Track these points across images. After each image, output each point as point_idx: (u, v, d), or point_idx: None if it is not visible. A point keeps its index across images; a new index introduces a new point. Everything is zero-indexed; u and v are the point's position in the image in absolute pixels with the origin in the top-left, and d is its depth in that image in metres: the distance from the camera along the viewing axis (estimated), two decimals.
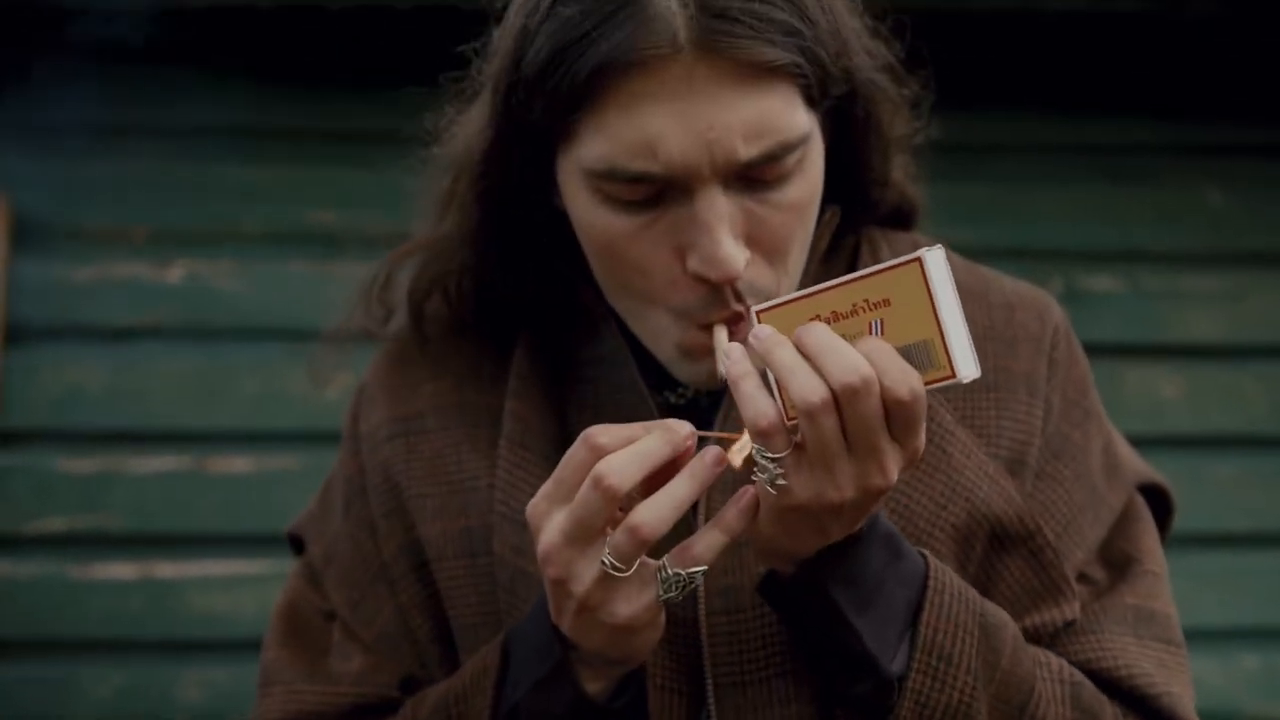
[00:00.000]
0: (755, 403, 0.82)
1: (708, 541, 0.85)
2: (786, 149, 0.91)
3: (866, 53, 1.03)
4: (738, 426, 0.95)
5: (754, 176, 0.92)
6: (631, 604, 0.85)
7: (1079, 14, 2.79)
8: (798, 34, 0.89)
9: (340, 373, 1.24)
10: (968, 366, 0.80)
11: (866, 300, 0.82)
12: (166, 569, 2.74)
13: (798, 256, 0.99)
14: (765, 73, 0.88)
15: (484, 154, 1.02)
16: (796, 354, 0.81)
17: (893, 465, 0.82)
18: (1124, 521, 1.11)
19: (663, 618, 0.89)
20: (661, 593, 0.85)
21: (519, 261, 1.09)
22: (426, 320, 1.16)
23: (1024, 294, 1.14)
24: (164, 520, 2.75)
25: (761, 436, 0.82)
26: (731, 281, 0.92)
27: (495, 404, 1.11)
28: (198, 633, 2.72)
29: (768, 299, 0.92)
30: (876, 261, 1.09)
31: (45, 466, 2.75)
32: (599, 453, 0.83)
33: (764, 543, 0.88)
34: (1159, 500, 1.18)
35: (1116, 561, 1.08)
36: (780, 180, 0.93)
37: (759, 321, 0.86)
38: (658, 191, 0.92)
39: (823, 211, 1.05)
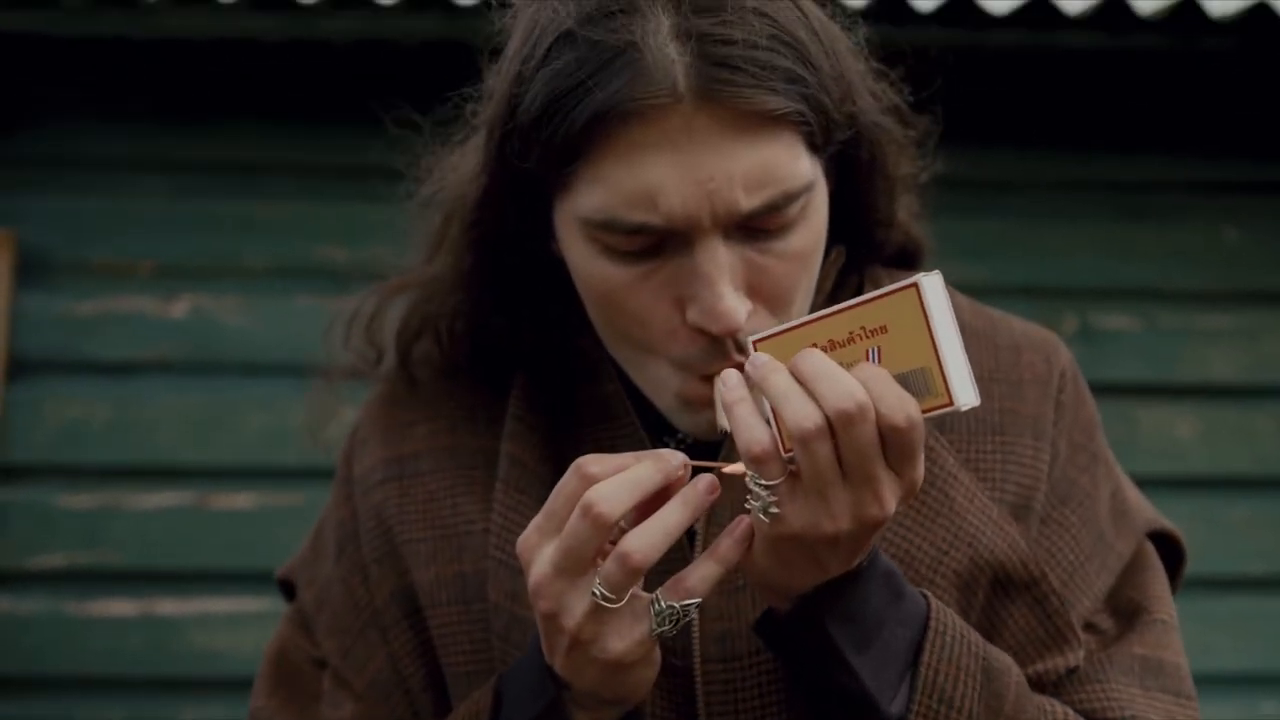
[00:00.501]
0: (749, 429, 0.80)
1: (702, 573, 0.83)
2: (789, 198, 0.88)
3: (871, 94, 1.01)
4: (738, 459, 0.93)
5: (756, 226, 0.89)
6: (624, 638, 0.83)
7: (1094, 50, 2.77)
8: (800, 81, 0.87)
9: (345, 408, 1.21)
10: (966, 394, 0.78)
11: (864, 327, 0.80)
12: (167, 606, 2.72)
13: (801, 304, 0.96)
14: (767, 121, 0.86)
15: (478, 200, 1.00)
16: (791, 380, 0.80)
17: (889, 495, 0.80)
18: (1132, 570, 1.08)
19: (657, 654, 0.87)
20: (655, 626, 0.83)
21: (514, 306, 1.07)
22: (415, 363, 1.14)
23: (1032, 336, 1.11)
24: (165, 557, 2.74)
25: (755, 463, 0.80)
26: (732, 334, 0.90)
27: (491, 446, 1.08)
28: (198, 670, 2.69)
29: None
30: None
31: (46, 501, 2.74)
32: (589, 481, 0.82)
33: (759, 576, 0.86)
34: (1170, 548, 1.15)
35: (1124, 610, 1.06)
36: (783, 229, 0.90)
37: (755, 350, 0.84)
38: (657, 242, 0.89)
39: (827, 252, 1.03)
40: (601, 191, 0.87)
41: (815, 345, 0.82)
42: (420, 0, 2.63)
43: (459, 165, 1.07)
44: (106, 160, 2.88)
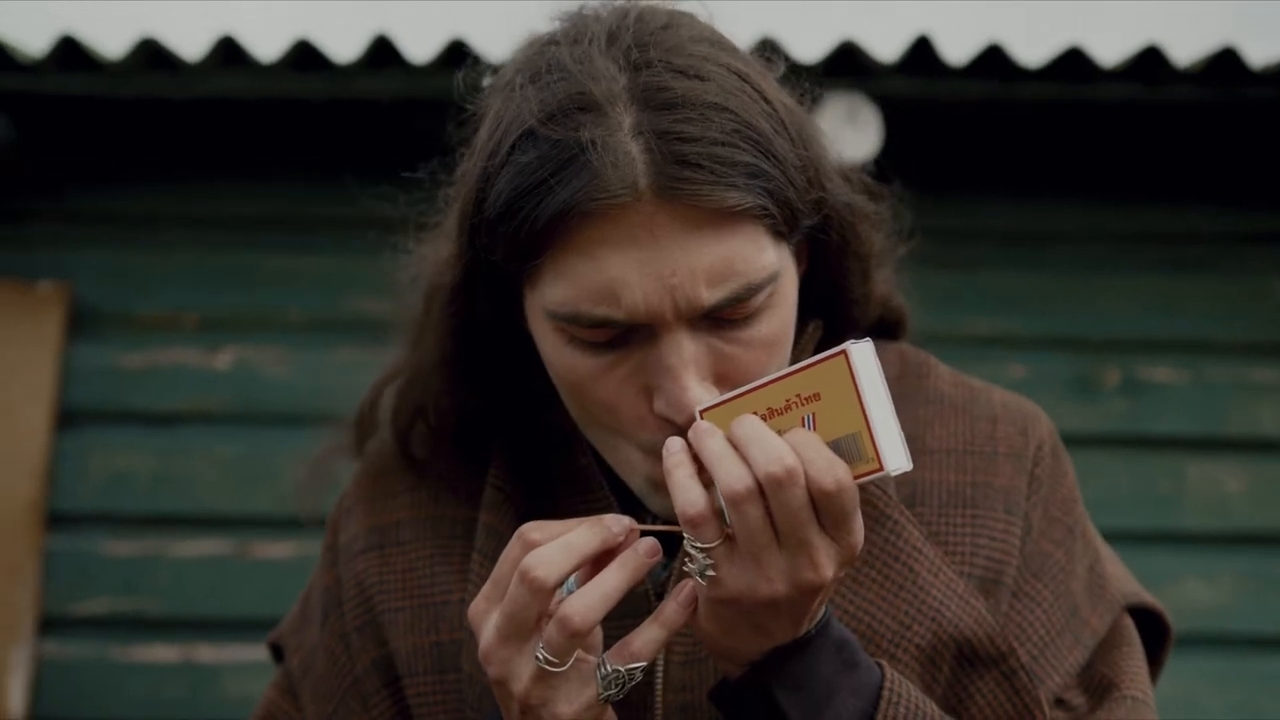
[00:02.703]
0: (686, 491, 0.81)
1: (646, 637, 0.85)
2: (752, 290, 0.88)
3: (841, 176, 1.01)
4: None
5: (721, 317, 0.89)
6: (572, 702, 0.84)
7: (1135, 102, 2.74)
8: (763, 175, 0.87)
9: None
10: (896, 459, 0.80)
11: (799, 395, 0.82)
12: (206, 653, 2.77)
13: None
14: (728, 216, 0.86)
15: (453, 288, 1.01)
16: (726, 444, 0.81)
17: (825, 560, 0.81)
18: (1106, 645, 1.06)
19: (610, 718, 0.88)
20: (601, 690, 0.84)
21: (493, 385, 1.09)
22: (412, 444, 1.16)
23: (1010, 407, 1.10)
24: (205, 604, 2.78)
25: (691, 525, 0.81)
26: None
27: (471, 516, 1.10)
28: (236, 717, 2.71)
29: None
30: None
31: (91, 549, 2.80)
32: (530, 547, 0.84)
33: (709, 641, 0.87)
34: (1154, 623, 1.12)
35: (1096, 687, 1.04)
36: (749, 318, 0.90)
37: (701, 418, 0.86)
38: (623, 334, 0.90)
39: (805, 325, 1.03)
40: (565, 286, 0.88)
41: (755, 413, 0.83)
42: (456, 58, 2.68)
43: (437, 249, 1.08)
44: (154, 216, 2.96)
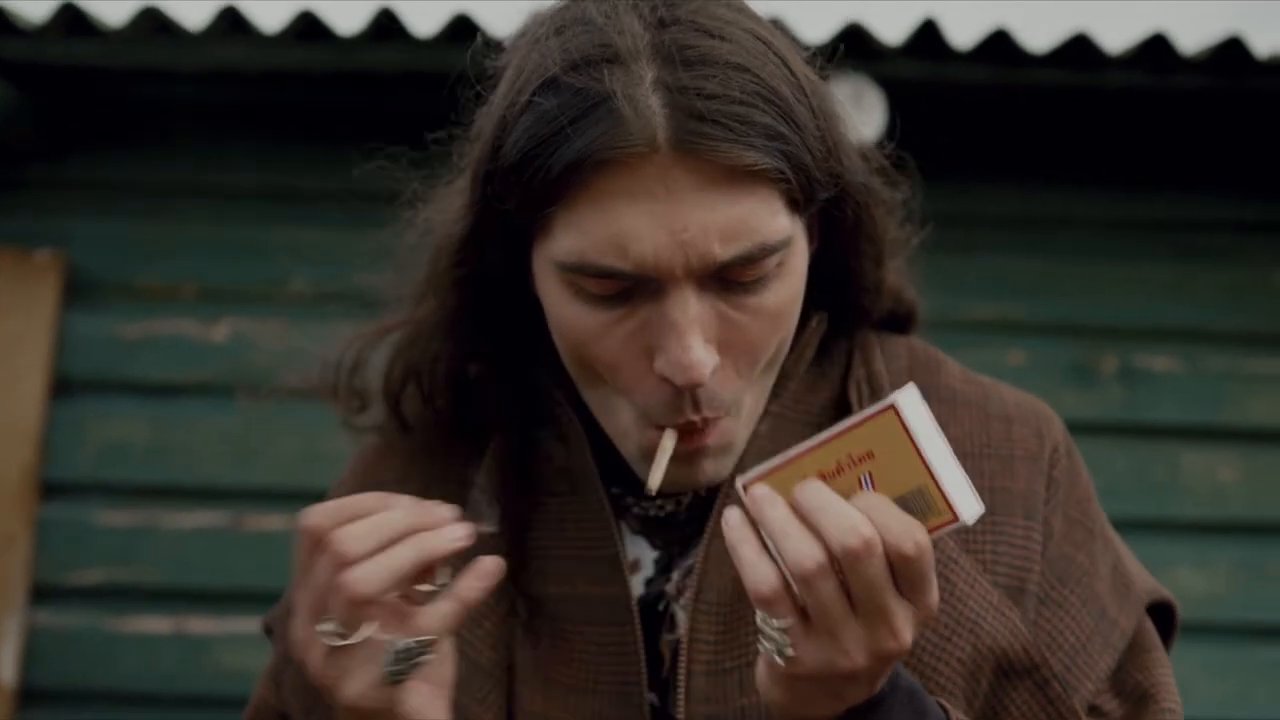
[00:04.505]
0: (754, 569, 0.78)
1: (439, 610, 0.83)
2: (765, 251, 0.87)
3: (860, 156, 0.99)
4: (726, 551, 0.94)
5: (730, 279, 0.88)
6: (358, 681, 0.82)
7: (1140, 90, 2.73)
8: (781, 138, 0.86)
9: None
10: (969, 507, 0.76)
11: (850, 455, 0.78)
12: (200, 624, 2.77)
13: (769, 367, 0.95)
14: (745, 176, 0.85)
15: (462, 239, 0.99)
16: (790, 514, 0.78)
17: (904, 626, 0.78)
18: (1136, 649, 1.05)
19: (407, 709, 0.85)
20: (386, 666, 0.82)
21: (493, 352, 1.07)
22: (404, 407, 1.14)
23: (1024, 407, 1.08)
24: (199, 576, 2.78)
25: (764, 605, 0.78)
26: (695, 387, 0.88)
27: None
28: (229, 689, 2.72)
29: (728, 411, 0.90)
30: (870, 372, 1.06)
31: (85, 519, 2.80)
32: (318, 532, 0.83)
33: (776, 708, 0.85)
34: (1160, 612, 1.12)
35: (1130, 694, 1.03)
36: (758, 284, 0.89)
37: (746, 491, 0.82)
38: (629, 289, 0.88)
39: (809, 317, 1.02)
40: (575, 236, 0.87)
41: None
42: (461, 32, 2.66)
43: (446, 207, 1.06)
44: (154, 186, 2.94)
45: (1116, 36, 2.70)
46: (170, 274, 2.91)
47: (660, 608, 0.99)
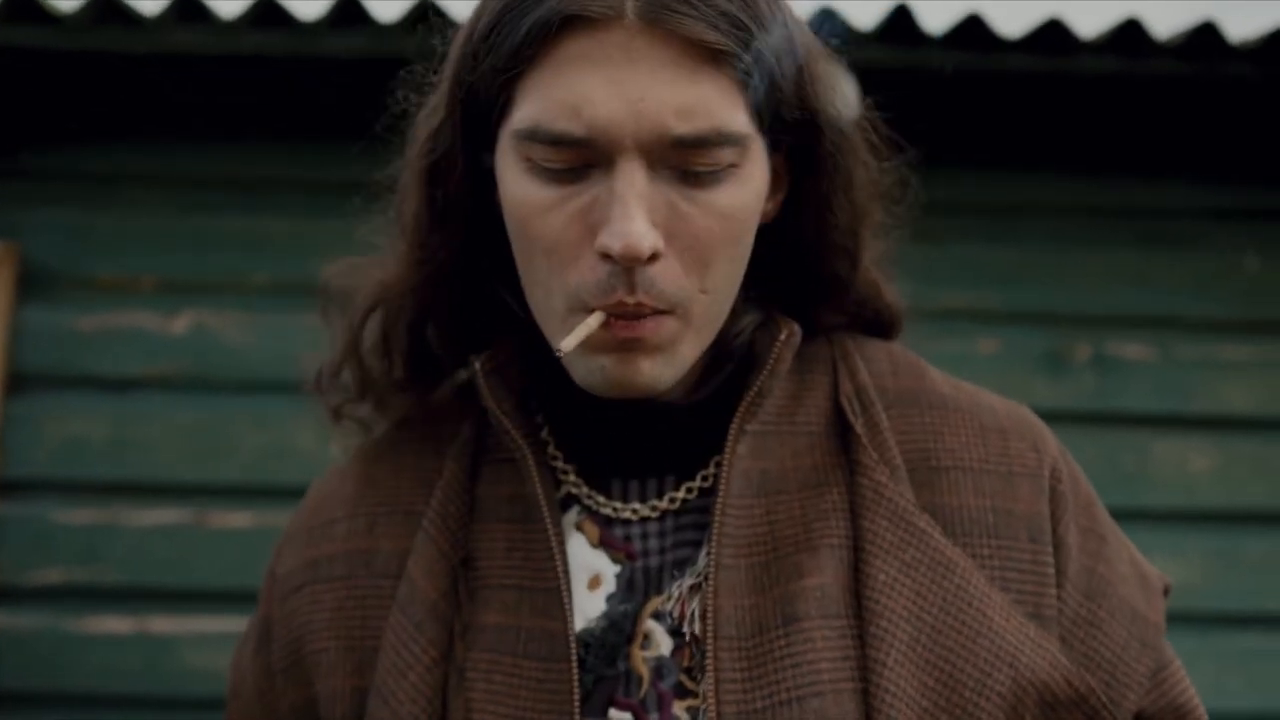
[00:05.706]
0: None
1: None
2: (721, 138, 0.87)
3: (848, 106, 0.99)
4: (726, 542, 0.93)
5: (683, 166, 0.88)
6: None
7: (1113, 75, 2.71)
8: (746, 29, 0.87)
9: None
10: None
11: None
12: (162, 624, 2.71)
13: (723, 277, 0.93)
14: (707, 60, 0.86)
15: (433, 131, 0.99)
16: None
17: None
18: (1163, 669, 1.05)
19: None
20: None
21: (455, 304, 1.06)
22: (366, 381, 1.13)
23: (1015, 418, 1.06)
24: (162, 575, 2.73)
25: None
26: (634, 262, 0.86)
27: (406, 549, 1.05)
28: (192, 689, 2.68)
29: (673, 304, 0.89)
30: (857, 386, 1.04)
31: (44, 517, 2.74)
32: None
33: None
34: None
35: (1175, 712, 1.04)
36: (711, 178, 0.89)
37: None
38: (581, 162, 0.88)
39: (779, 329, 1.00)
40: (534, 101, 0.88)
41: None
42: (423, 19, 2.61)
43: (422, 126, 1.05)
44: (109, 175, 2.87)
45: (1090, 22, 2.68)
46: (128, 265, 2.84)
47: (629, 626, 0.96)
